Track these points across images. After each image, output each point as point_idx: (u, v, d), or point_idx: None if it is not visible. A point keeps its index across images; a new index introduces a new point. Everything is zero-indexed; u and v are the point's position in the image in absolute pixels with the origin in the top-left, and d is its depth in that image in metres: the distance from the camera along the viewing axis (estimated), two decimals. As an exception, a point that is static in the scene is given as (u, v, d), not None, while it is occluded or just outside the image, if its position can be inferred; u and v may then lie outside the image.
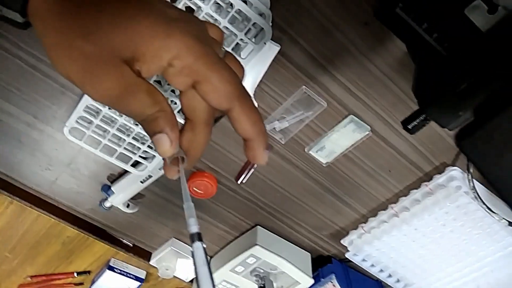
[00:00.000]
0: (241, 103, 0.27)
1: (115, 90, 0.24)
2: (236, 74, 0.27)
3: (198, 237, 0.24)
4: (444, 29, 0.35)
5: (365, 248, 0.89)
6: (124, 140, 0.67)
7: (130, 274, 1.03)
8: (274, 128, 0.74)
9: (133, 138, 0.67)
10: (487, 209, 0.77)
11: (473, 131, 0.56)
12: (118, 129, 0.65)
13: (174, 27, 0.24)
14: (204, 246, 0.24)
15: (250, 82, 0.67)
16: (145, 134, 0.67)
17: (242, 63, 0.30)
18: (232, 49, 0.56)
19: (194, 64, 0.25)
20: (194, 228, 0.25)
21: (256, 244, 0.87)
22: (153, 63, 0.25)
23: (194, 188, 0.82)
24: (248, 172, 0.81)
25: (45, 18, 0.24)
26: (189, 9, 0.55)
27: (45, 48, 0.24)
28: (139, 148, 0.68)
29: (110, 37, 0.23)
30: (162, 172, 0.77)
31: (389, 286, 0.97)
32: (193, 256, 0.23)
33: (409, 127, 0.41)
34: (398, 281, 0.95)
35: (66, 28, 0.24)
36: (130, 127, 0.66)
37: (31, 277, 1.08)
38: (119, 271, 1.02)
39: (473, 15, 0.34)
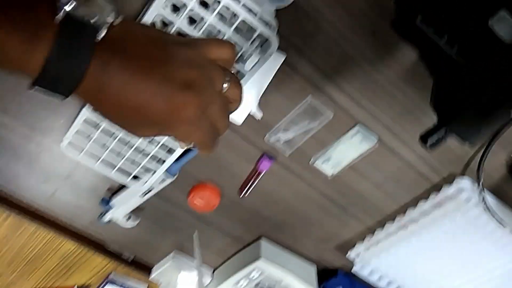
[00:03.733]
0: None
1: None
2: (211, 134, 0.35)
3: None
4: (466, 41, 0.33)
5: (372, 260, 0.87)
6: (124, 154, 0.65)
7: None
8: (279, 139, 0.72)
9: (134, 151, 0.64)
10: (497, 221, 0.75)
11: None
12: (118, 142, 0.63)
13: (185, 101, 0.31)
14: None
15: (254, 92, 0.65)
16: (145, 147, 0.65)
17: (242, 86, 0.36)
18: (237, 60, 0.54)
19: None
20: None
21: (260, 257, 0.85)
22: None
23: (197, 199, 0.80)
24: (251, 185, 0.78)
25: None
26: (192, 20, 0.53)
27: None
28: (139, 162, 0.66)
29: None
30: (162, 185, 0.75)
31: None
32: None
33: (428, 143, 0.38)
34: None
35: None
36: (130, 141, 0.64)
37: (29, 292, 1.06)
38: (119, 285, 0.99)
39: (497, 26, 0.32)
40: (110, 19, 0.29)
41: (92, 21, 0.28)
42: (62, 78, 0.28)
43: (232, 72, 0.36)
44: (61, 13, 0.27)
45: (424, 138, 0.40)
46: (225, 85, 0.34)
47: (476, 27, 0.32)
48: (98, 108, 0.32)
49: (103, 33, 0.28)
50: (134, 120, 0.32)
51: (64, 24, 0.27)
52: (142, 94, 0.30)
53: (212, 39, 0.37)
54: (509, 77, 0.31)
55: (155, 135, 0.35)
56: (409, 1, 0.33)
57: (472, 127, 0.35)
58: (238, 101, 0.37)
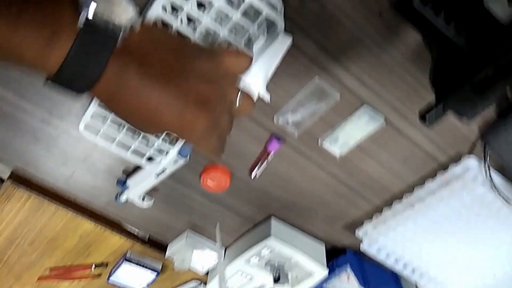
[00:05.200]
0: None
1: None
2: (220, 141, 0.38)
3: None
4: (462, 20, 0.34)
5: (380, 239, 0.89)
6: (138, 135, 0.67)
7: (146, 265, 1.05)
8: (287, 120, 0.74)
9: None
10: (504, 199, 0.76)
11: (496, 125, 0.55)
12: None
13: (197, 115, 0.33)
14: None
15: (262, 75, 0.67)
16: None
17: (252, 56, 0.39)
18: (244, 43, 0.55)
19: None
20: None
21: (270, 235, 0.88)
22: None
23: (209, 181, 0.82)
24: (261, 166, 0.81)
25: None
26: (201, 5, 0.55)
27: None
28: (153, 144, 0.69)
29: None
30: (176, 165, 0.78)
31: (404, 276, 0.97)
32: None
33: (426, 118, 0.40)
34: (413, 271, 0.95)
35: None
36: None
37: (50, 269, 1.11)
38: (135, 263, 1.03)
39: (493, 7, 0.33)
40: (130, 22, 0.29)
41: (113, 23, 0.28)
42: (77, 78, 0.28)
43: None
44: (83, 14, 0.27)
45: (422, 115, 0.41)
46: (238, 98, 0.36)
47: (472, 6, 0.33)
48: (111, 107, 0.32)
49: (123, 37, 0.28)
50: (145, 123, 0.33)
51: (85, 24, 0.27)
52: (156, 103, 0.31)
53: (231, 51, 0.37)
54: (504, 57, 0.32)
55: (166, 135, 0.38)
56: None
57: (468, 103, 0.36)
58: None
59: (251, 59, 0.38)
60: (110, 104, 0.32)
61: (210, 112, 0.33)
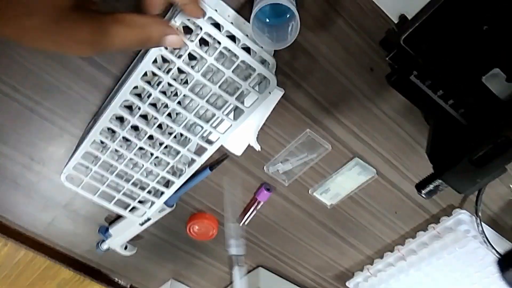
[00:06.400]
0: None
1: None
2: None
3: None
4: (461, 96, 0.34)
5: (371, 291, 0.86)
6: (123, 186, 0.65)
7: (127, 316, 1.00)
8: (278, 170, 0.72)
9: (132, 184, 0.65)
10: (496, 254, 0.74)
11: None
12: (116, 176, 0.63)
13: None
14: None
15: (253, 125, 0.66)
16: (144, 180, 0.65)
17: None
18: (236, 97, 0.54)
19: None
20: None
21: (259, 287, 0.84)
22: None
23: (196, 229, 0.80)
24: (251, 214, 0.78)
25: None
26: (193, 57, 0.54)
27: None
28: (138, 194, 0.66)
29: None
30: (161, 215, 0.75)
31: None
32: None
33: (424, 192, 0.39)
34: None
35: None
36: (129, 173, 0.64)
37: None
38: (115, 314, 0.98)
39: (491, 83, 0.32)
40: None
41: None
42: None
43: None
44: None
45: (419, 187, 0.40)
46: None
47: (470, 83, 0.33)
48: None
49: None
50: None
51: None
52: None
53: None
54: (504, 132, 0.32)
55: None
56: (403, 58, 0.34)
57: (467, 179, 0.36)
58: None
59: None
60: None
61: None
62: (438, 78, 0.33)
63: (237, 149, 0.68)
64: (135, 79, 0.52)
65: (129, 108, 0.60)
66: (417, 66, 0.33)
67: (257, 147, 0.69)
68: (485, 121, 0.34)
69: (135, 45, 0.38)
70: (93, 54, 0.36)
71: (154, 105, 0.59)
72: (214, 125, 0.58)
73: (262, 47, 0.51)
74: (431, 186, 0.37)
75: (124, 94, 0.53)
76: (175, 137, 0.60)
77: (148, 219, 0.76)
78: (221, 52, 0.52)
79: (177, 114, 0.62)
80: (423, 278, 0.81)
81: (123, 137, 0.59)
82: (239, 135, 0.66)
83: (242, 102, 0.56)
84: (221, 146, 0.62)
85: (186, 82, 0.54)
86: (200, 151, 0.61)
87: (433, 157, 0.38)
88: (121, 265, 0.90)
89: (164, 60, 0.56)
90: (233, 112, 0.59)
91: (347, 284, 0.89)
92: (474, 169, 0.33)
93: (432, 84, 0.33)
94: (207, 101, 0.55)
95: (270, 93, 0.54)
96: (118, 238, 0.79)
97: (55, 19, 0.31)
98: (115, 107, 0.55)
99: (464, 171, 0.34)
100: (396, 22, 0.53)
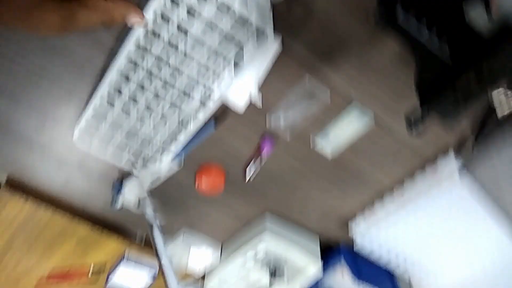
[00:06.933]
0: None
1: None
2: None
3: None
4: (444, 34, 0.36)
5: (373, 231, 0.91)
6: (132, 145, 0.68)
7: (144, 267, 1.06)
8: (279, 121, 0.75)
9: (141, 142, 0.68)
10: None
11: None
12: (126, 133, 0.66)
13: None
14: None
15: (253, 79, 0.68)
16: (153, 137, 0.68)
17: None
18: (235, 52, 0.56)
19: None
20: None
21: (266, 231, 0.89)
22: None
23: (204, 184, 0.83)
24: (255, 165, 0.82)
25: None
26: (189, 14, 0.56)
27: None
28: (147, 153, 0.69)
29: None
30: (171, 171, 0.79)
31: (397, 268, 1.00)
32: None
33: (411, 126, 0.42)
34: (405, 262, 0.98)
35: None
36: (137, 132, 0.67)
37: (48, 274, 1.11)
38: (133, 265, 1.04)
39: (475, 22, 0.34)
40: None
41: None
42: None
43: None
44: None
45: (408, 119, 0.43)
46: None
47: (454, 22, 0.34)
48: None
49: None
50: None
51: None
52: None
53: None
54: (487, 68, 0.34)
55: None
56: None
57: (451, 105, 0.38)
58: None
59: None
60: None
61: None
62: (424, 15, 0.35)
63: (239, 105, 0.71)
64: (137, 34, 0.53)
65: (135, 64, 0.62)
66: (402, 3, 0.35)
67: (259, 104, 0.71)
68: (468, 57, 0.36)
69: (99, 25, 0.45)
70: (60, 35, 0.46)
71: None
72: (215, 81, 0.60)
73: (257, -2, 0.53)
74: (417, 115, 0.40)
75: (128, 47, 0.55)
76: (178, 95, 0.62)
77: (158, 176, 0.80)
78: (218, 8, 0.53)
79: (178, 72, 0.64)
80: (421, 217, 0.86)
81: (130, 97, 0.62)
82: (240, 90, 0.68)
83: (242, 57, 0.58)
84: (223, 102, 0.64)
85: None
86: (202, 107, 0.64)
87: (419, 88, 0.40)
88: (136, 219, 0.95)
89: (162, 16, 0.57)
90: (232, 67, 0.61)
91: (349, 226, 0.94)
92: (456, 96, 0.36)
93: (416, 15, 0.35)
94: (207, 58, 0.56)
95: (267, 45, 0.55)
96: (130, 195, 0.84)
97: (30, 7, 0.38)
98: (120, 62, 0.57)
99: (447, 97, 0.37)
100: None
